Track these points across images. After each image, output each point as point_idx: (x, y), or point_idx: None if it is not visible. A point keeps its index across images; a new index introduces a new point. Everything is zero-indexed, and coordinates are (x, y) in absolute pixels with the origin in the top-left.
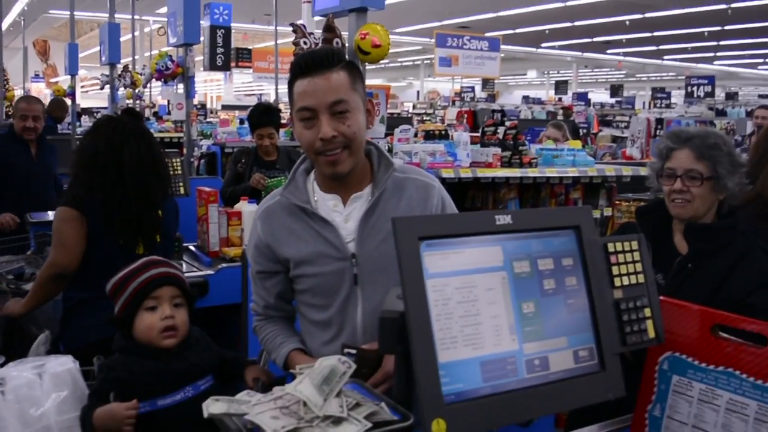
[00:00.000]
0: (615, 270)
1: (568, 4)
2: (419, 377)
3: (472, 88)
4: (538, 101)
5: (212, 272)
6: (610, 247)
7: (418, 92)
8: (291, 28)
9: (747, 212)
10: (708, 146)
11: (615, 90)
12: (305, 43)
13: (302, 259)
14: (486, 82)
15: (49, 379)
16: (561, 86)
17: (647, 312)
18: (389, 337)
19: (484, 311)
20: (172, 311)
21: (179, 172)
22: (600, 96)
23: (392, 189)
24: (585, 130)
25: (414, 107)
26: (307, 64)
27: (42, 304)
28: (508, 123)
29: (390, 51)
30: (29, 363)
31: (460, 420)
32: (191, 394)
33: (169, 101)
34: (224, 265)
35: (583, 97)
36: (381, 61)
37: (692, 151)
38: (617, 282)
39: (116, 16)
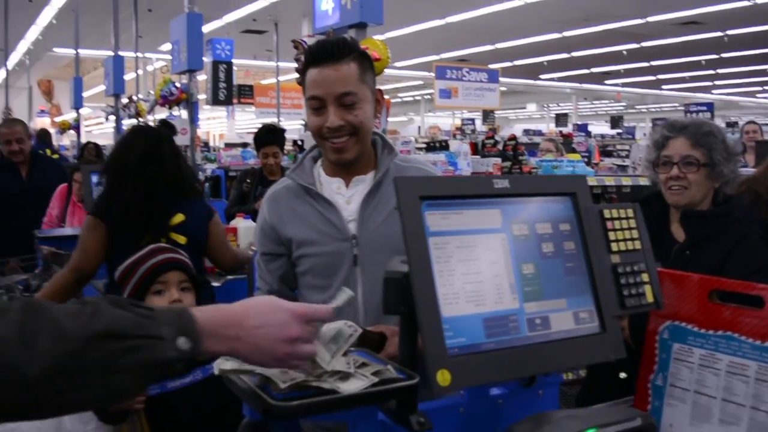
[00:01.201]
0: (612, 236)
1: (565, 34)
2: (424, 330)
3: (473, 121)
4: (539, 133)
5: (218, 284)
6: (606, 214)
7: (419, 127)
8: (294, 66)
9: (741, 200)
10: (703, 134)
11: (615, 121)
12: None
13: (304, 239)
14: (486, 115)
15: None
16: (561, 119)
17: (645, 277)
18: (393, 296)
19: (485, 270)
20: (180, 295)
21: None
22: (600, 128)
23: (395, 173)
24: (587, 160)
25: (416, 141)
26: (318, 52)
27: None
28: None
29: (390, 86)
30: None
31: (464, 371)
32: (200, 377)
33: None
34: (230, 277)
35: (583, 128)
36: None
37: (688, 139)
38: (614, 247)
39: (120, 53)
